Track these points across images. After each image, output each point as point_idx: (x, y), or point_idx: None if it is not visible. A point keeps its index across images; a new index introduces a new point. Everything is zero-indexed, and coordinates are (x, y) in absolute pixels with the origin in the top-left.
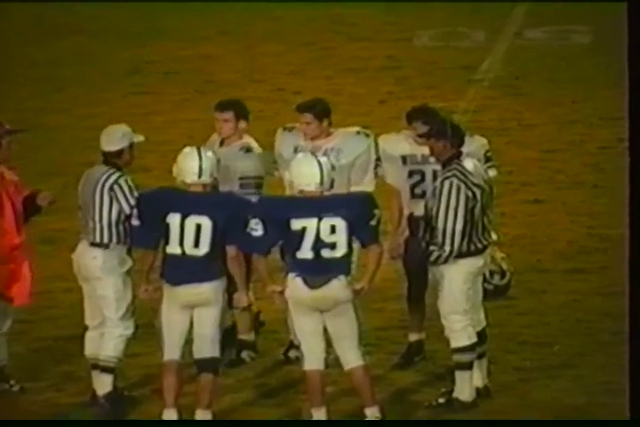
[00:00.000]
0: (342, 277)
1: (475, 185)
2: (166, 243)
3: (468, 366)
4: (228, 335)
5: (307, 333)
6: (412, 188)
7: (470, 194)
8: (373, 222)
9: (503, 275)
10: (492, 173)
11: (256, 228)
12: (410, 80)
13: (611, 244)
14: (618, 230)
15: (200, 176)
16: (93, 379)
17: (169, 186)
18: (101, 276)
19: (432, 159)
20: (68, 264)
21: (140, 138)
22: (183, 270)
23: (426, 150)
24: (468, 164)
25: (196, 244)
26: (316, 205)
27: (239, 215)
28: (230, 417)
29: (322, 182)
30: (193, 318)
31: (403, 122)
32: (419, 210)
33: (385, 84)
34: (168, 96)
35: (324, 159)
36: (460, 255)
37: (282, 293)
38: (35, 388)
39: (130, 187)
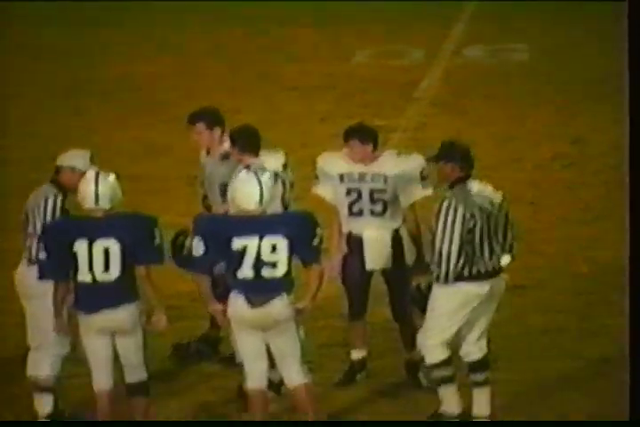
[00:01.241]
0: (284, 296)
1: (475, 206)
2: (75, 271)
3: (450, 380)
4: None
5: (248, 351)
6: (350, 206)
7: (469, 215)
8: (315, 242)
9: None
10: (427, 192)
11: (197, 246)
12: (349, 98)
13: (548, 259)
14: (554, 245)
15: (97, 202)
16: (35, 400)
17: (73, 214)
18: (37, 294)
19: (368, 178)
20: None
21: (88, 169)
22: (96, 298)
23: (362, 169)
24: (473, 185)
25: (106, 268)
26: (258, 224)
27: (146, 234)
28: None
29: (261, 201)
30: (116, 344)
31: (342, 140)
32: (357, 228)
33: (324, 103)
34: (107, 115)
35: (265, 178)
36: (460, 278)
37: (224, 311)
38: None
39: (55, 208)
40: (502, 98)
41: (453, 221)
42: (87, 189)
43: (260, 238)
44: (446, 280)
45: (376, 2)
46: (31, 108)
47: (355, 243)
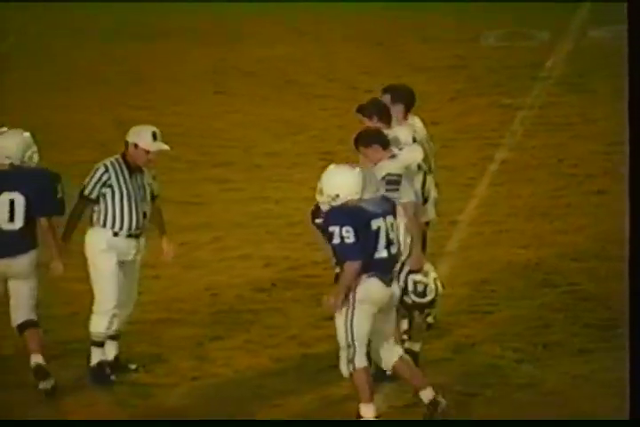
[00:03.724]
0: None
1: None
2: None
3: None
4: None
5: (367, 332)
6: None
7: None
8: None
9: (424, 294)
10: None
11: (348, 235)
12: (478, 78)
13: None
14: None
15: (6, 157)
16: (92, 352)
17: None
18: (95, 262)
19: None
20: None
21: (150, 146)
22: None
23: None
24: None
25: (11, 218)
26: (381, 206)
27: (48, 188)
28: None
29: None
30: (9, 289)
31: (471, 118)
32: None
33: (454, 83)
34: (248, 95)
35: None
36: None
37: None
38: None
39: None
40: (626, 77)
41: None
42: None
43: (384, 218)
44: None
45: None
46: (181, 89)
47: None
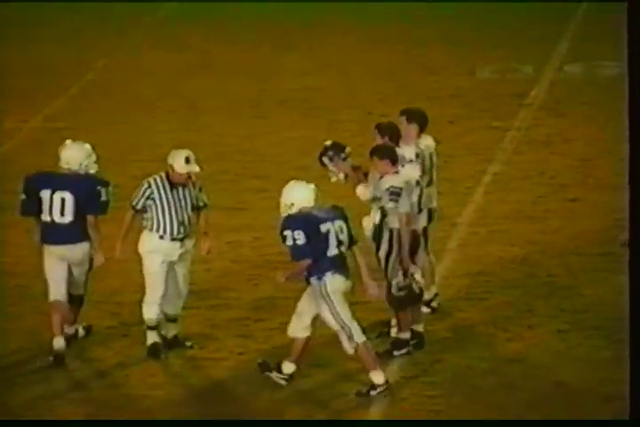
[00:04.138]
0: None
1: None
2: (41, 212)
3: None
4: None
5: (349, 313)
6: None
7: None
8: None
9: (401, 289)
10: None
11: (299, 237)
12: (473, 105)
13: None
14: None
15: (64, 163)
16: (147, 334)
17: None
18: (145, 260)
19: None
20: None
21: (182, 168)
22: (55, 235)
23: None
24: None
25: (62, 213)
26: (327, 213)
27: (95, 191)
28: None
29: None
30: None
31: (468, 138)
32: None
33: (453, 108)
34: (281, 119)
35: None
36: None
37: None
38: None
39: (144, 192)
40: (596, 104)
41: None
42: (61, 153)
43: (333, 222)
44: None
45: (491, 27)
46: (227, 115)
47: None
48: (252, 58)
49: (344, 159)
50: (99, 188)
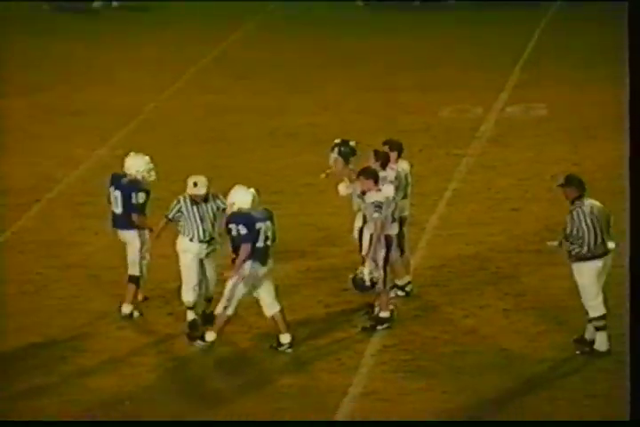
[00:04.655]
0: None
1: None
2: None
3: (604, 328)
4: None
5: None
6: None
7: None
8: None
9: (370, 279)
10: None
11: (242, 229)
12: (438, 137)
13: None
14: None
15: (126, 169)
16: (187, 314)
17: (117, 173)
18: (181, 257)
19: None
20: None
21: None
22: (114, 220)
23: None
24: (587, 202)
25: (117, 206)
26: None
27: (132, 194)
28: None
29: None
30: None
31: (434, 162)
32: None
33: (422, 139)
34: (292, 148)
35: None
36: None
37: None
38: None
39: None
40: (530, 137)
41: (580, 221)
42: (125, 161)
43: (264, 222)
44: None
45: (452, 78)
46: (250, 145)
47: None
48: (268, 100)
49: (345, 159)
50: (133, 193)
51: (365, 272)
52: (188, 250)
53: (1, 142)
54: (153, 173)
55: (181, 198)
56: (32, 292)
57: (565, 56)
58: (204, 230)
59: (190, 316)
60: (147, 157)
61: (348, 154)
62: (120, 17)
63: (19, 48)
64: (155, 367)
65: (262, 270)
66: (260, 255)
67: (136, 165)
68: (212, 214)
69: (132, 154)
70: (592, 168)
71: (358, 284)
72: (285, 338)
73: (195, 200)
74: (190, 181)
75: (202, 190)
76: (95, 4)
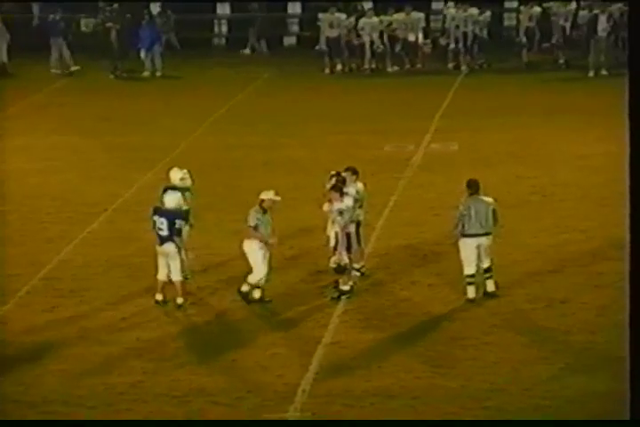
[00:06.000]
0: None
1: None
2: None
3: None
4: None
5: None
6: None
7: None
8: None
9: (338, 264)
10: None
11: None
12: (383, 165)
13: None
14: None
15: (172, 181)
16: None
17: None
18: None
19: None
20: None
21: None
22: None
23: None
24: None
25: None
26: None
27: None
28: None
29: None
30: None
31: (379, 183)
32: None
33: (371, 167)
34: (280, 173)
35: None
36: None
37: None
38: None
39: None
40: (448, 165)
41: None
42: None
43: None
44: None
45: (393, 124)
46: (251, 172)
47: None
48: (264, 140)
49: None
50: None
51: (334, 259)
52: (261, 247)
53: (83, 169)
54: (189, 180)
55: (255, 209)
56: (99, 273)
57: (471, 110)
58: (267, 233)
59: (245, 287)
60: (184, 170)
61: (339, 182)
62: (162, 83)
63: (100, 106)
64: (196, 327)
65: (163, 248)
66: (161, 239)
67: (175, 177)
68: (271, 220)
69: (174, 169)
70: (490, 185)
71: (337, 269)
72: (180, 300)
73: (264, 209)
74: (264, 194)
75: (278, 197)
76: (144, 74)
